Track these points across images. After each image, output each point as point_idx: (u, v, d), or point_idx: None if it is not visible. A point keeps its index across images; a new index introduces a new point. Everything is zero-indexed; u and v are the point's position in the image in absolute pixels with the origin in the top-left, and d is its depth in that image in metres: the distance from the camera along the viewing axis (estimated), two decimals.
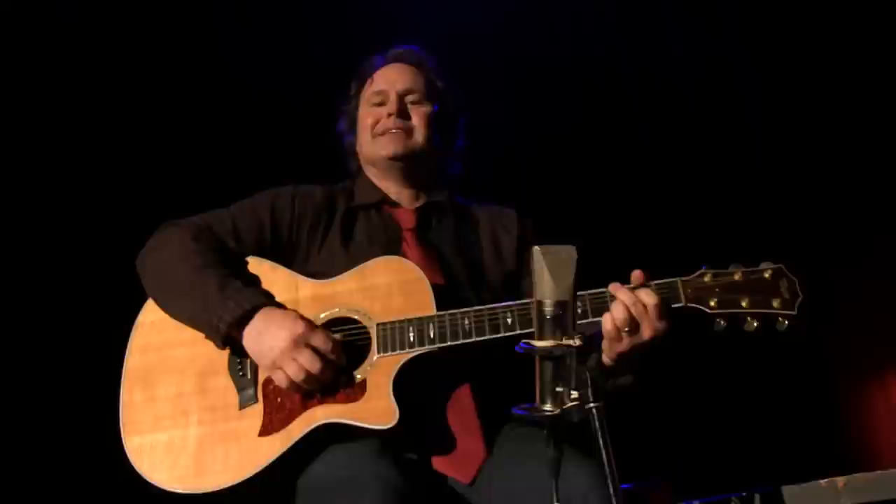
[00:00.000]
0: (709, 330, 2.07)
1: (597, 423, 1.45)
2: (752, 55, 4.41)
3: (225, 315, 2.06)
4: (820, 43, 4.24)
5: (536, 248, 1.52)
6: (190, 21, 3.96)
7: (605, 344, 2.07)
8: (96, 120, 3.79)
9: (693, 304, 2.07)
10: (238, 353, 2.14)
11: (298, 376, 2.02)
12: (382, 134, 2.44)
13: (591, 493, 1.88)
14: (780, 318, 2.05)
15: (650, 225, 4.13)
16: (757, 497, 2.66)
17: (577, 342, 1.48)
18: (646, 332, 2.02)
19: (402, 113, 2.45)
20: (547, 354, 1.50)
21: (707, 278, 2.09)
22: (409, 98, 2.48)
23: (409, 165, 2.45)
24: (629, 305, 2.00)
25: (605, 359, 2.09)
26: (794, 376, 4.13)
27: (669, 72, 4.46)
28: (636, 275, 2.08)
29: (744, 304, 2.05)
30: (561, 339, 1.49)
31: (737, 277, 2.08)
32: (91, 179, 3.74)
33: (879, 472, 2.68)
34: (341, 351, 2.08)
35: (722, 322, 2.06)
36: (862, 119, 4.23)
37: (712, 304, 2.06)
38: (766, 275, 2.08)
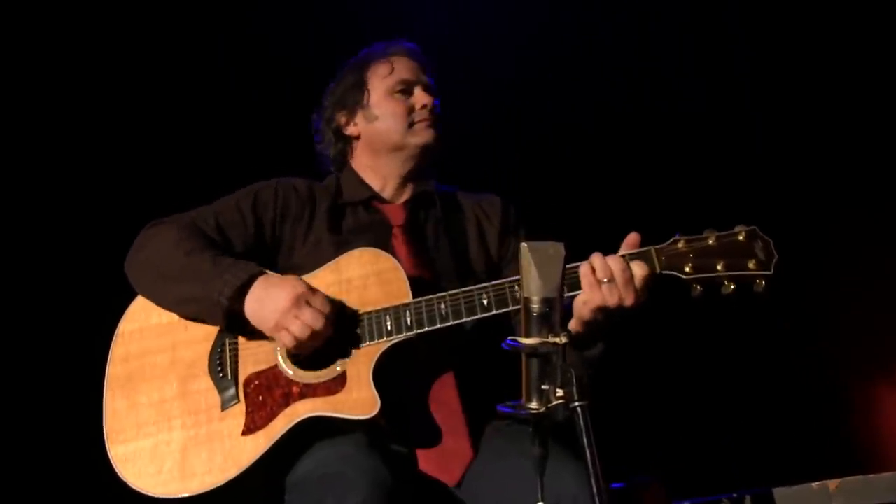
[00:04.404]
0: (686, 296, 2.05)
1: (581, 422, 1.44)
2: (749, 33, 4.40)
3: (225, 289, 2.06)
4: (823, 26, 4.21)
5: (524, 244, 1.52)
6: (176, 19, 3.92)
7: (579, 304, 2.04)
8: (78, 121, 3.72)
9: (668, 272, 2.06)
10: (238, 330, 2.14)
11: (304, 333, 2.01)
12: (420, 122, 2.45)
13: (581, 494, 1.86)
14: (756, 280, 2.04)
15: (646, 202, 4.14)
16: (748, 498, 2.65)
17: (563, 340, 1.48)
18: (627, 299, 1.99)
19: (433, 106, 2.48)
20: (532, 352, 1.49)
21: (681, 245, 2.08)
22: (433, 95, 2.51)
23: (431, 157, 2.49)
24: (617, 270, 1.98)
25: (577, 326, 2.07)
26: (789, 377, 4.12)
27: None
28: (632, 237, 2.08)
29: (719, 267, 2.04)
30: (547, 337, 1.49)
31: (711, 242, 2.07)
32: (66, 187, 3.66)
33: (872, 475, 2.67)
34: (335, 316, 2.07)
35: (699, 287, 2.05)
36: (866, 116, 4.21)
37: (687, 269, 2.05)
38: (741, 237, 2.07)
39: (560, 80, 4.36)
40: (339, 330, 2.09)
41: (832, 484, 2.62)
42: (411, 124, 2.45)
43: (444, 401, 2.16)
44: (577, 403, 1.46)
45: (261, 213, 2.35)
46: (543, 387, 1.50)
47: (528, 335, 1.50)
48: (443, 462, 2.11)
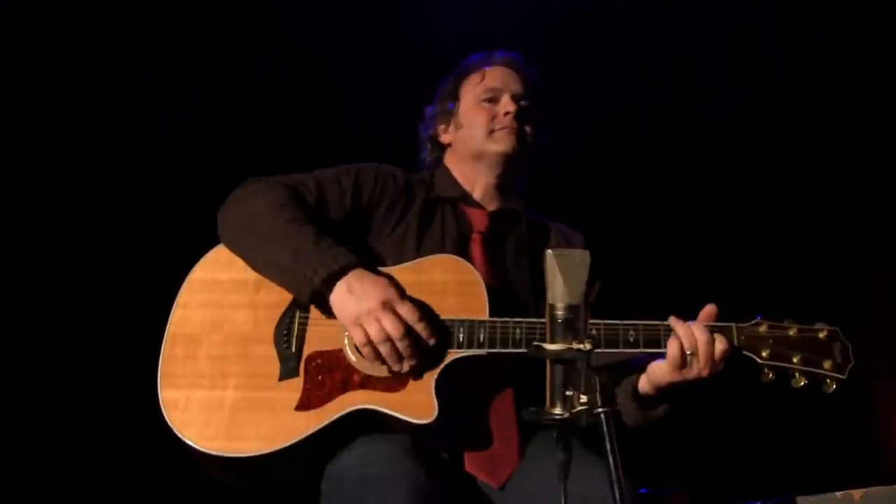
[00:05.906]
0: (755, 379, 2.09)
1: (605, 428, 1.46)
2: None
3: (320, 269, 2.06)
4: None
5: (549, 251, 1.53)
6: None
7: (657, 373, 2.08)
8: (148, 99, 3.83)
9: (746, 352, 2.09)
10: (319, 306, 2.13)
11: (379, 336, 2.01)
12: (500, 130, 2.46)
13: (610, 499, 1.88)
14: (828, 380, 2.07)
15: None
16: None
17: (587, 346, 1.49)
18: (704, 371, 2.04)
19: (518, 115, 2.48)
20: (557, 358, 1.51)
21: (762, 329, 2.11)
22: (521, 103, 2.51)
23: (512, 166, 2.49)
24: (702, 343, 2.03)
25: (647, 387, 2.12)
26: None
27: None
28: (710, 309, 2.11)
29: (795, 360, 2.07)
30: (571, 343, 1.50)
31: (791, 333, 2.10)
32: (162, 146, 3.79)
33: None
34: (425, 326, 2.05)
35: (771, 374, 2.08)
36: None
37: (764, 354, 2.08)
38: (821, 335, 2.10)
39: (631, 117, 4.35)
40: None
41: (857, 494, 2.61)
42: (491, 131, 2.47)
43: (500, 410, 2.18)
44: (600, 409, 1.47)
45: (359, 192, 2.36)
46: (567, 393, 1.51)
47: (552, 341, 1.51)
48: (490, 466, 2.13)
